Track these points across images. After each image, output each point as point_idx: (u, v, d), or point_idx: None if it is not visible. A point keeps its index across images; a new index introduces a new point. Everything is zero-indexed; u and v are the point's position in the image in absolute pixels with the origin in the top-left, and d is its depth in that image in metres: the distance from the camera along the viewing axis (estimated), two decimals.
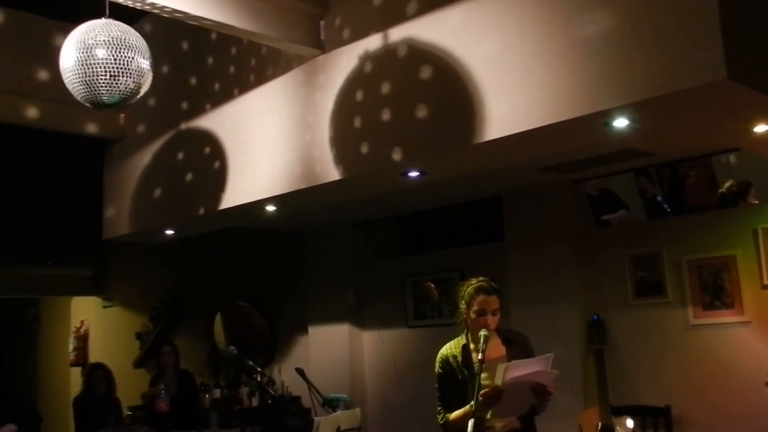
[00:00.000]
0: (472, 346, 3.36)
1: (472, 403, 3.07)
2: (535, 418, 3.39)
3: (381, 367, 6.24)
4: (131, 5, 3.44)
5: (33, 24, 5.19)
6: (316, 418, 3.95)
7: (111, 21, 3.09)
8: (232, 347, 4.87)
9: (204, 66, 5.18)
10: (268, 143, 4.64)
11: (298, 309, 6.72)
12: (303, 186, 4.40)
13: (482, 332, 3.20)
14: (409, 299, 6.09)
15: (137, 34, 3.14)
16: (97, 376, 6.57)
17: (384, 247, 6.65)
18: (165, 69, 5.34)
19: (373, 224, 6.50)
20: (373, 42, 3.99)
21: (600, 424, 4.52)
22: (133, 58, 3.05)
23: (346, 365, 6.24)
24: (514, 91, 3.37)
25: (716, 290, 4.50)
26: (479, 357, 3.12)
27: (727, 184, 5.34)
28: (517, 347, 3.39)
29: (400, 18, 3.87)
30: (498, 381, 3.04)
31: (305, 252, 6.66)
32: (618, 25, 3.04)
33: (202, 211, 5.11)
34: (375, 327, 6.31)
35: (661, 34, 2.90)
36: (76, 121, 5.40)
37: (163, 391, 5.78)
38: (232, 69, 4.96)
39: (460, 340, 3.41)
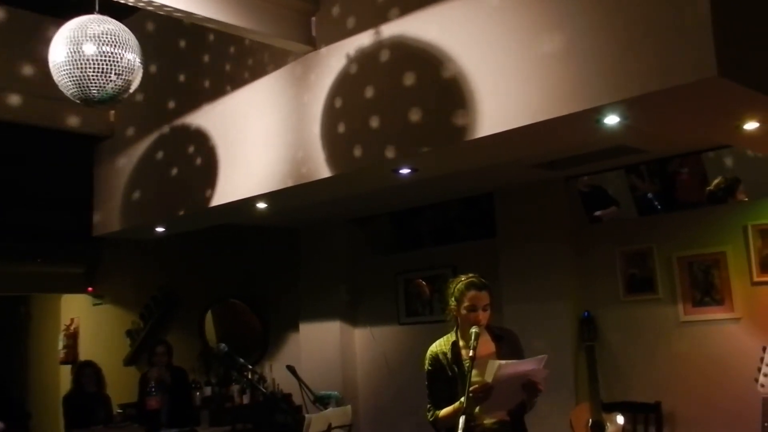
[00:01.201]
0: (461, 343, 3.36)
1: (461, 399, 3.08)
2: (524, 415, 3.41)
3: (372, 364, 6.24)
4: (121, 1, 3.41)
5: (21, 19, 5.15)
6: (307, 416, 3.95)
7: (101, 17, 3.07)
8: (223, 345, 4.87)
9: (194, 63, 5.16)
10: (260, 140, 4.62)
11: (290, 306, 6.71)
12: (294, 183, 4.39)
13: (473, 329, 3.21)
14: (401, 296, 6.09)
15: (127, 30, 3.13)
16: (87, 374, 6.56)
17: (377, 244, 6.65)
18: (155, 66, 5.31)
19: (365, 221, 6.50)
20: (364, 39, 3.99)
21: (591, 420, 4.54)
22: (123, 54, 3.04)
23: (338, 362, 6.24)
24: (506, 88, 3.37)
25: (706, 287, 4.52)
26: (470, 354, 3.13)
27: (715, 181, 5.36)
28: (507, 344, 3.41)
29: (392, 15, 3.86)
30: (488, 378, 3.05)
31: (297, 249, 6.65)
32: (609, 22, 3.04)
33: (192, 208, 5.10)
34: (367, 324, 6.31)
35: (652, 31, 2.91)
36: (65, 117, 5.37)
37: (153, 389, 5.76)
38: (222, 66, 4.94)
39: (450, 337, 3.42)
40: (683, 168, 5.67)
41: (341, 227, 6.41)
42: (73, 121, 5.45)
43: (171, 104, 5.32)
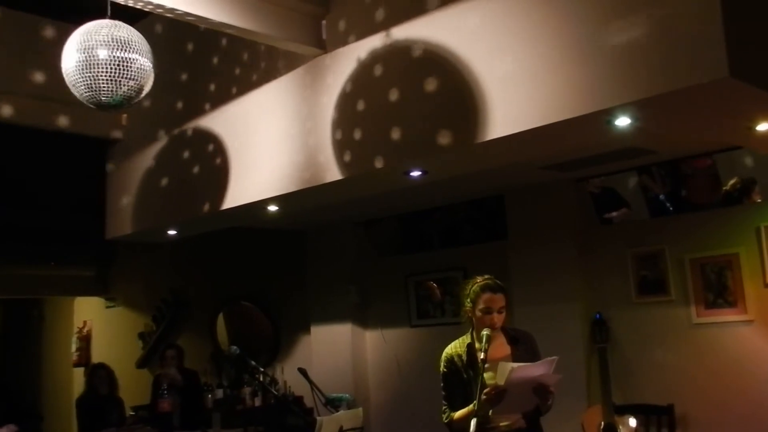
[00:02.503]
0: (477, 345, 3.35)
1: (475, 402, 3.08)
2: (540, 418, 3.40)
3: (384, 366, 6.24)
4: (133, 5, 3.44)
5: (33, 24, 5.19)
6: (318, 418, 3.95)
7: (113, 21, 3.09)
8: (235, 347, 4.89)
9: (206, 66, 5.18)
10: (271, 143, 4.64)
11: (301, 308, 6.72)
12: (305, 186, 4.40)
13: (485, 332, 3.21)
14: (412, 298, 6.09)
15: (139, 34, 3.15)
16: (99, 376, 6.58)
17: (387, 246, 6.65)
18: (167, 69, 5.33)
19: (376, 223, 6.50)
20: (375, 41, 3.99)
21: (603, 422, 4.52)
22: (135, 58, 3.06)
23: (349, 365, 6.24)
24: (517, 90, 3.37)
25: (719, 289, 4.50)
26: (482, 356, 3.12)
27: (731, 182, 5.33)
28: (523, 346, 3.39)
29: (402, 18, 3.86)
30: (501, 380, 3.04)
31: (308, 251, 6.66)
32: (619, 24, 3.03)
33: (204, 211, 5.12)
34: (378, 326, 6.31)
35: (663, 32, 2.90)
36: (77, 120, 5.40)
37: (165, 391, 5.78)
38: (234, 69, 4.96)
39: (465, 339, 3.41)
40: (695, 169, 5.64)
41: (351, 229, 6.41)
42: (85, 124, 5.48)
43: (182, 107, 5.34)
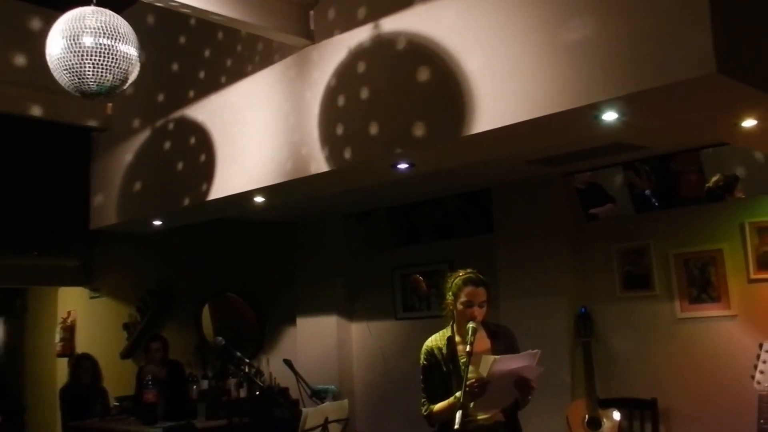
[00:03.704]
0: (457, 338, 3.37)
1: (456, 394, 3.09)
2: (518, 413, 3.41)
3: (369, 358, 6.24)
4: None
5: (16, 10, 5.13)
6: (304, 410, 3.95)
7: (98, 8, 3.06)
8: (220, 338, 4.88)
9: (193, 55, 5.14)
10: (257, 133, 4.61)
11: (287, 300, 6.71)
12: (292, 177, 4.38)
13: (470, 324, 3.21)
14: (398, 291, 6.09)
15: (125, 22, 3.12)
16: (84, 366, 6.58)
17: (374, 239, 6.65)
18: (153, 58, 5.30)
19: (363, 216, 6.49)
20: (363, 33, 3.98)
21: (587, 416, 4.55)
22: (120, 46, 3.02)
23: (335, 357, 6.24)
24: (504, 84, 3.36)
25: (703, 284, 4.52)
26: (467, 349, 3.13)
27: (714, 179, 5.36)
28: (503, 341, 3.41)
29: (391, 9, 3.85)
30: (484, 372, 3.05)
31: (294, 243, 6.65)
32: (607, 18, 3.03)
33: (189, 201, 5.09)
34: (364, 319, 6.31)
35: (651, 27, 2.90)
36: (62, 110, 5.35)
37: (150, 382, 5.77)
38: (221, 58, 4.93)
39: (446, 332, 3.42)
40: (680, 165, 5.66)
41: (338, 222, 6.40)
42: (69, 113, 5.43)
43: (168, 97, 5.30)
